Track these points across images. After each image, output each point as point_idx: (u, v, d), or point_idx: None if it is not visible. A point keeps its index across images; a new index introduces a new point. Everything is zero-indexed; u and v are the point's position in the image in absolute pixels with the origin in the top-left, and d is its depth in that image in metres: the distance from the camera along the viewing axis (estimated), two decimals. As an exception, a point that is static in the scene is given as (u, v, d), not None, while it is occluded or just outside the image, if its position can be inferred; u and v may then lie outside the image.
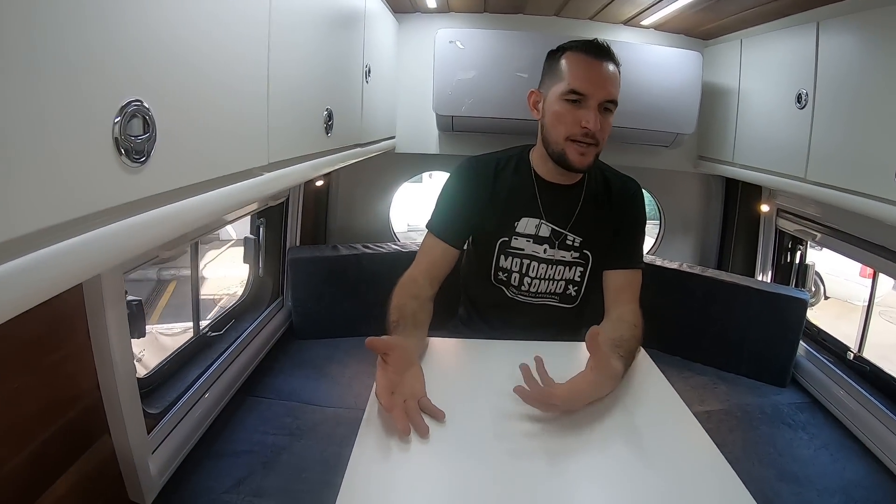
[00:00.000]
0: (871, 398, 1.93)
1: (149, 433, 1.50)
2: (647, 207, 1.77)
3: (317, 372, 2.21)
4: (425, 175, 9.23)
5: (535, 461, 1.03)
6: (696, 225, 3.09)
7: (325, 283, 2.46)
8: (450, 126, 2.46)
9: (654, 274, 2.38)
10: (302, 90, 1.21)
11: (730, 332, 2.37)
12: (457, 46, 2.26)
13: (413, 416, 1.10)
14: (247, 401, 2.00)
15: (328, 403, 2.00)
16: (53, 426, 1.22)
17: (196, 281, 2.12)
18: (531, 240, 1.62)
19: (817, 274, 2.43)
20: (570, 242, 1.62)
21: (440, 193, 1.68)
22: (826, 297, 6.94)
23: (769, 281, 2.71)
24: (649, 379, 1.37)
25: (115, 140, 0.61)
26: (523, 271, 1.64)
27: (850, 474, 1.75)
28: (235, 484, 1.57)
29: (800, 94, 1.81)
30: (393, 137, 2.52)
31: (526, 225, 1.62)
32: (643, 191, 1.71)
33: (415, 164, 2.94)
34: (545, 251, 1.62)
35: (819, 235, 2.32)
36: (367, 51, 1.80)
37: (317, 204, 2.86)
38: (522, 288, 1.66)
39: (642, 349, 1.47)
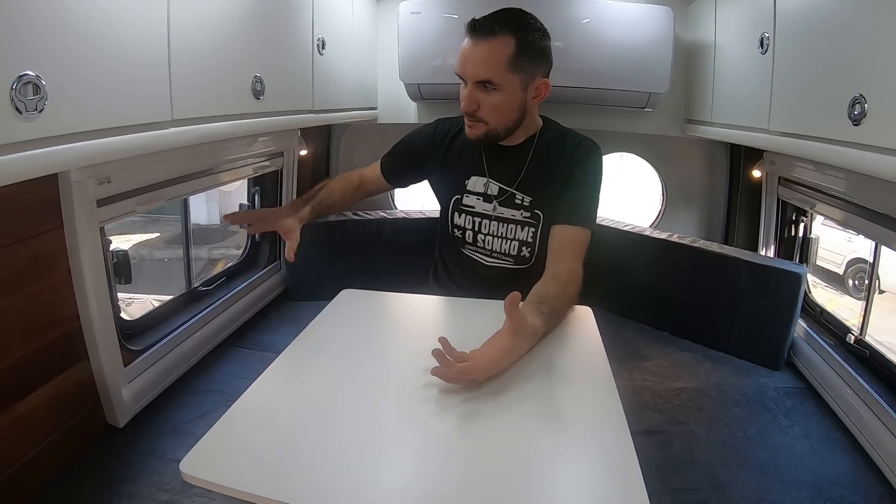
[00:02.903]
0: (868, 387, 1.77)
1: (126, 365, 1.77)
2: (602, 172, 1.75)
3: (301, 329, 2.35)
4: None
5: (447, 421, 1.08)
6: (700, 197, 3.01)
7: (316, 248, 2.62)
8: (418, 94, 2.65)
9: (639, 244, 2.56)
10: (214, 56, 1.47)
11: (719, 308, 2.30)
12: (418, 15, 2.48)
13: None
14: (230, 350, 2.27)
15: None
16: (32, 344, 1.48)
17: (187, 237, 2.40)
18: (481, 198, 1.76)
19: (870, 266, 2.30)
20: (518, 201, 1.71)
21: (401, 140, 1.94)
22: (881, 291, 6.75)
23: (772, 256, 2.57)
24: (586, 342, 1.40)
25: (11, 99, 0.90)
26: (476, 228, 1.77)
27: (828, 469, 1.62)
28: (198, 416, 1.78)
29: (762, 38, 1.78)
30: (375, 108, 2.77)
31: (475, 183, 1.77)
32: (600, 155, 1.73)
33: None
34: (494, 209, 1.74)
35: (817, 204, 2.15)
36: (318, 25, 2.04)
37: (315, 173, 3.06)
38: (478, 244, 1.78)
39: (591, 311, 1.53)
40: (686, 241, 2.43)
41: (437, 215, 2.01)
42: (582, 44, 2.46)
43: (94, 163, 1.12)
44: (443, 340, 1.14)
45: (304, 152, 2.70)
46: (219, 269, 2.38)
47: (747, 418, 1.86)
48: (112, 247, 1.78)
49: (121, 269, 1.83)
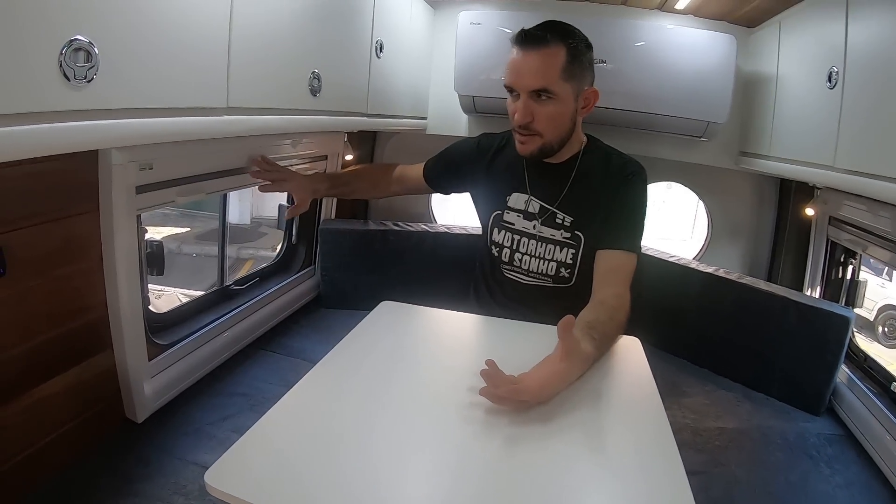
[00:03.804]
0: None
1: (151, 359, 1.73)
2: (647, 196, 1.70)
3: (333, 337, 2.21)
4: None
5: (489, 444, 1.03)
6: (747, 232, 2.96)
7: (353, 256, 2.63)
8: (472, 107, 2.61)
9: (683, 276, 2.47)
10: (275, 47, 1.43)
11: (762, 348, 2.22)
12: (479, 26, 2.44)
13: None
14: (258, 353, 2.23)
15: None
16: (56, 329, 1.45)
17: (224, 233, 2.37)
18: (521, 215, 1.72)
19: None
20: (559, 221, 1.67)
21: (447, 148, 1.93)
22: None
23: (818, 297, 2.51)
24: (634, 373, 1.36)
25: (59, 64, 0.86)
26: (514, 247, 1.73)
27: (869, 521, 1.55)
28: (221, 419, 1.73)
29: (830, 72, 1.72)
30: (424, 118, 2.73)
31: (517, 200, 1.74)
32: (645, 178, 1.69)
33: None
34: (534, 227, 1.70)
35: (869, 246, 2.10)
36: (377, 28, 2.01)
37: None
38: (514, 264, 1.74)
39: (641, 344, 1.48)
40: (733, 277, 2.35)
41: (479, 232, 1.97)
42: (637, 67, 2.41)
43: (140, 143, 1.08)
44: (490, 363, 1.10)
45: (349, 157, 2.67)
46: (247, 269, 2.34)
47: (789, 464, 1.80)
48: (147, 236, 1.76)
49: (154, 260, 1.80)
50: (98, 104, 0.93)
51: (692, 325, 2.47)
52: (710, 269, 2.42)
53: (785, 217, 2.80)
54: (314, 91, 1.55)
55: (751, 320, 2.27)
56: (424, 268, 2.65)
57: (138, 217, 1.64)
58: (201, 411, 1.78)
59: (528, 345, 1.26)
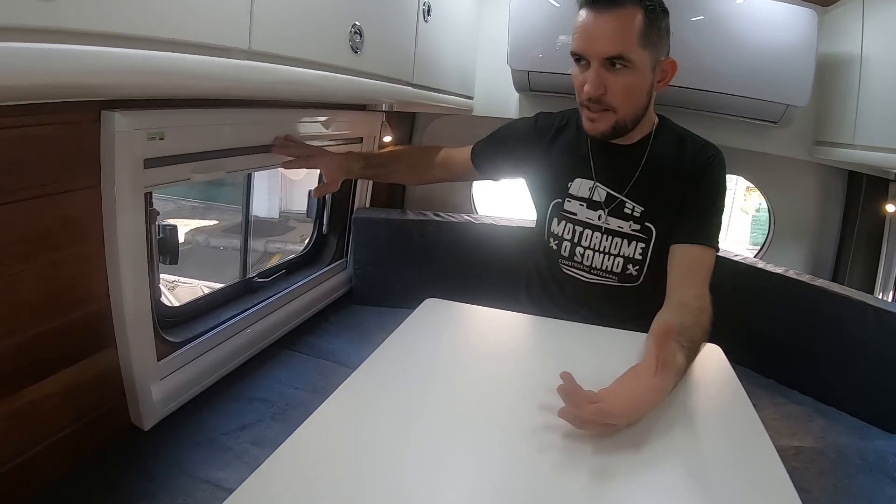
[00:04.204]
0: None
1: (160, 359, 1.56)
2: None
3: (364, 337, 2.22)
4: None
5: (574, 480, 0.88)
6: (811, 229, 2.76)
7: (388, 249, 2.48)
8: (526, 84, 2.39)
9: (745, 277, 2.26)
10: None
11: (834, 358, 2.04)
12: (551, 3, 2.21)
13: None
14: (282, 353, 2.05)
15: None
16: (50, 322, 1.28)
17: (247, 219, 2.19)
18: (585, 204, 1.59)
19: None
20: (628, 210, 1.55)
21: (498, 129, 1.78)
22: None
23: (890, 300, 2.35)
24: (723, 386, 1.24)
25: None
26: (575, 239, 1.61)
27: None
28: (239, 428, 1.58)
29: None
30: (470, 98, 2.51)
31: (580, 186, 1.60)
32: (724, 163, 1.56)
33: None
34: (599, 217, 1.57)
35: None
36: (426, -12, 1.80)
37: None
38: (575, 259, 1.62)
39: (721, 351, 1.38)
40: (804, 279, 2.15)
41: (529, 225, 1.90)
42: (705, 39, 2.17)
43: (134, 85, 0.84)
44: (567, 376, 0.94)
45: (388, 139, 2.47)
46: (274, 263, 2.15)
47: (872, 489, 1.64)
48: (159, 221, 1.58)
49: (166, 247, 1.63)
50: (70, 23, 0.70)
51: (757, 331, 2.26)
52: (778, 270, 2.23)
53: (853, 213, 2.60)
54: (355, 48, 1.33)
55: (823, 327, 2.07)
56: (467, 263, 2.48)
57: (148, 196, 1.47)
58: (216, 419, 1.63)
59: (599, 352, 1.19)
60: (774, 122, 2.31)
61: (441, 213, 2.58)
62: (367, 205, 2.66)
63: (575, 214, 1.60)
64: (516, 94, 2.56)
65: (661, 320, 1.04)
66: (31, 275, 1.23)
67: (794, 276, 2.18)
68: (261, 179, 10.55)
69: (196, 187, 9.80)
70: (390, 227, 2.50)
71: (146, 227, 1.46)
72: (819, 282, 2.14)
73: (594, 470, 0.89)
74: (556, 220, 1.64)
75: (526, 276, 1.86)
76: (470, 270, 2.46)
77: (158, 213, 1.56)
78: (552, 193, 1.66)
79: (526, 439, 0.95)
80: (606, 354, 1.16)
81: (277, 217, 10.62)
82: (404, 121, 2.86)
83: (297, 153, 1.77)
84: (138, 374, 1.47)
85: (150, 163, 1.39)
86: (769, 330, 2.23)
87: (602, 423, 0.93)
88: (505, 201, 3.22)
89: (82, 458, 1.34)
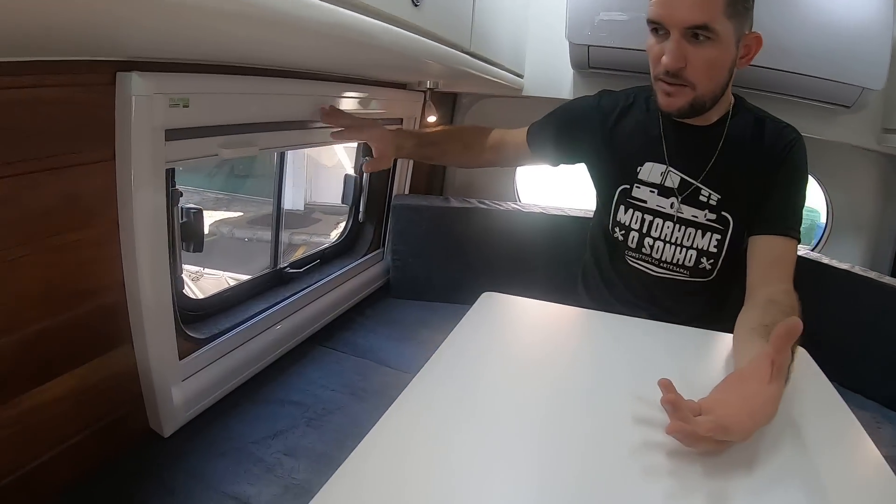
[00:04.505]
0: None
1: (183, 358, 1.41)
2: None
3: (404, 334, 2.07)
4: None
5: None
6: (870, 223, 2.58)
7: (430, 238, 2.33)
8: (585, 61, 2.17)
9: (812, 273, 2.07)
10: None
11: None
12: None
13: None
14: (315, 350, 1.89)
15: (407, 369, 1.82)
16: (57, 316, 1.12)
17: (279, 203, 2.00)
18: (656, 190, 1.46)
19: None
20: (703, 198, 1.42)
21: (556, 109, 1.64)
22: None
23: None
24: (819, 392, 1.11)
25: None
26: (643, 230, 1.49)
27: None
28: (270, 436, 1.44)
29: None
30: (521, 76, 2.30)
31: (651, 171, 1.47)
32: (804, 147, 1.43)
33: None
34: (672, 205, 1.45)
35: None
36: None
37: None
38: (643, 251, 1.51)
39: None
40: (871, 276, 1.99)
41: (580, 214, 1.87)
42: (775, 14, 1.92)
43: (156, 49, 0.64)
44: (666, 384, 0.82)
45: (433, 118, 2.27)
46: (299, 255, 2.00)
47: None
48: (182, 203, 1.42)
49: (190, 232, 1.46)
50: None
51: (818, 332, 2.05)
52: (843, 266, 2.05)
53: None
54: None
55: (891, 327, 1.90)
56: (515, 254, 2.32)
57: (169, 174, 1.30)
58: (244, 425, 1.48)
59: (680, 353, 1.11)
60: (847, 107, 2.07)
61: (486, 201, 2.41)
62: (406, 191, 2.49)
63: (644, 202, 1.48)
64: (570, 73, 2.34)
65: (791, 319, 0.87)
66: (33, 261, 1.06)
67: (860, 273, 2.02)
68: (286, 168, 10.51)
69: (220, 178, 9.73)
70: (432, 215, 2.33)
71: (167, 208, 1.29)
72: (886, 279, 2.00)
73: (712, 496, 0.75)
74: (622, 207, 1.52)
75: (582, 268, 1.76)
76: (518, 262, 2.29)
77: (181, 195, 1.39)
78: (618, 178, 1.53)
79: (628, 460, 0.81)
80: (689, 356, 1.09)
81: (303, 209, 10.57)
82: (445, 102, 2.71)
83: (348, 123, 1.65)
84: (158, 375, 1.32)
85: (171, 134, 1.22)
86: (831, 330, 2.02)
87: (720, 439, 0.81)
88: (548, 191, 2.99)
89: (93, 470, 1.22)
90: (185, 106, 1.19)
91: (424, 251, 2.33)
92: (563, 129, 1.62)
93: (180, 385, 1.39)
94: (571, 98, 2.09)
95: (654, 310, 1.49)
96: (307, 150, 8.15)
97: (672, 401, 0.79)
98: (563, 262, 2.01)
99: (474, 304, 1.32)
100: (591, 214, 1.73)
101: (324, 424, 1.52)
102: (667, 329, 1.26)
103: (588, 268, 1.72)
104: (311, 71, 1.56)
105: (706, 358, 1.12)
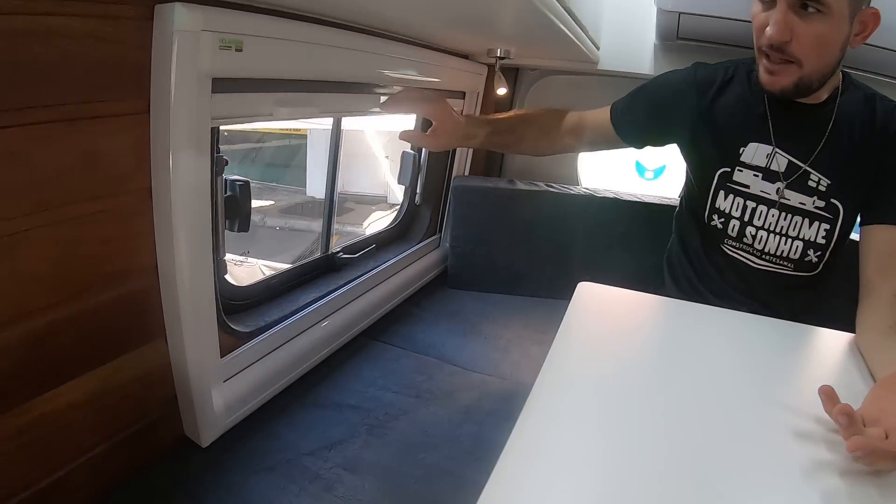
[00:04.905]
0: None
1: (225, 355, 1.21)
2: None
3: (467, 328, 1.88)
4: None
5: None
6: None
7: (492, 224, 2.12)
8: (674, 30, 1.93)
9: None
10: None
11: None
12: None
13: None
14: (370, 345, 1.70)
15: (475, 367, 1.65)
16: (73, 305, 0.91)
17: (334, 177, 1.77)
18: (760, 174, 1.32)
19: None
20: (812, 183, 1.29)
21: (643, 85, 1.46)
22: None
23: None
24: None
25: None
26: (745, 218, 1.35)
27: None
28: (325, 447, 1.25)
29: None
30: (596, 48, 2.05)
31: (755, 153, 1.32)
32: None
33: (626, 91, 2.39)
34: (777, 191, 1.31)
35: None
36: None
37: None
38: (745, 241, 1.37)
39: None
40: None
41: (655, 200, 1.79)
42: None
43: None
44: (829, 392, 0.74)
45: (503, 90, 2.02)
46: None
47: None
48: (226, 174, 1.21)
49: (235, 208, 1.25)
50: None
51: None
52: None
53: None
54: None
55: None
56: (586, 242, 2.14)
57: (214, 134, 1.07)
58: (295, 434, 1.29)
59: (811, 355, 1.05)
60: None
61: (554, 185, 2.20)
62: (466, 172, 2.26)
63: (747, 187, 1.33)
64: (651, 46, 2.10)
65: None
66: (42, 236, 0.85)
67: None
68: (317, 156, 10.38)
69: (245, 165, 9.69)
70: (496, 199, 2.12)
71: (211, 178, 1.06)
72: None
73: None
74: (722, 193, 1.37)
75: (667, 257, 1.61)
76: (589, 251, 2.13)
77: (227, 163, 1.17)
78: (718, 161, 1.37)
79: (803, 483, 0.67)
80: (824, 358, 1.02)
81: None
82: (506, 78, 2.40)
83: (417, 96, 1.42)
84: (196, 375, 1.13)
85: (220, 85, 0.99)
86: None
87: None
88: (608, 176, 2.76)
89: (117, 486, 1.05)
90: (238, 50, 0.97)
91: (487, 238, 2.12)
92: (655, 107, 1.44)
93: (221, 386, 1.19)
94: (652, 74, 1.92)
95: (751, 304, 1.33)
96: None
97: (847, 412, 0.70)
98: (639, 250, 1.87)
99: (574, 297, 1.15)
100: (668, 201, 1.62)
101: (388, 433, 1.32)
102: (794, 328, 1.12)
103: (675, 257, 1.56)
104: (376, 28, 1.36)
105: (828, 358, 1.04)
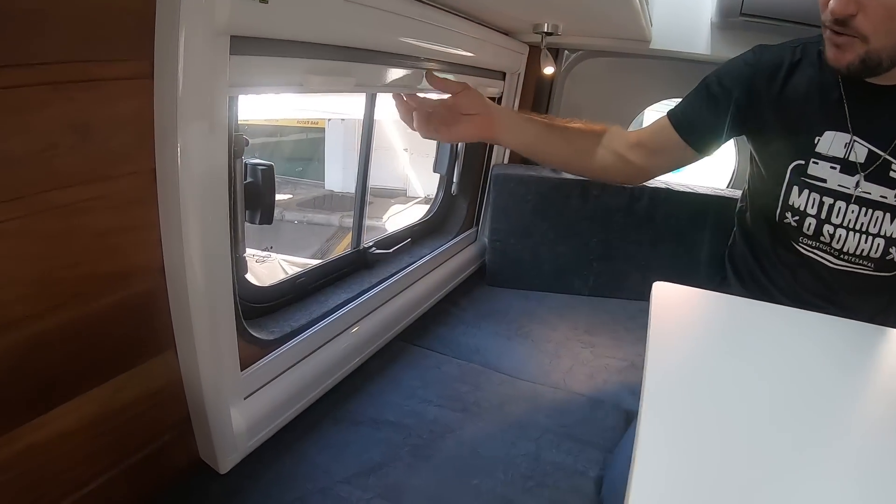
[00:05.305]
0: None
1: (246, 367, 1.03)
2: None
3: (512, 330, 1.71)
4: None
5: None
6: None
7: (536, 215, 1.94)
8: (737, 6, 1.77)
9: None
10: None
11: None
12: None
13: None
14: (407, 351, 1.52)
15: (524, 375, 1.48)
16: (63, 313, 0.73)
17: (365, 171, 1.60)
18: (838, 166, 1.23)
19: None
20: (894, 174, 1.19)
21: (702, 80, 1.34)
22: None
23: None
24: None
25: None
26: (822, 215, 1.25)
27: None
28: (364, 472, 1.08)
29: None
30: (650, 24, 1.88)
31: (832, 142, 1.23)
32: None
33: (674, 76, 2.18)
34: (856, 184, 1.22)
35: None
36: None
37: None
38: (822, 239, 1.28)
39: None
40: None
41: (709, 192, 1.79)
42: None
43: None
44: None
45: (550, 70, 1.82)
46: (347, 241, 1.63)
47: None
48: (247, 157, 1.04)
49: (256, 196, 1.08)
50: None
51: None
52: None
53: None
54: None
55: None
56: (638, 236, 1.99)
57: (233, 104, 0.89)
58: (327, 456, 1.11)
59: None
60: None
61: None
62: (507, 160, 2.09)
63: (824, 181, 1.24)
64: (707, 24, 1.93)
65: None
66: (22, 229, 0.67)
67: None
68: (336, 149, 10.32)
69: (263, 158, 9.84)
70: (540, 189, 1.94)
71: (228, 159, 0.87)
72: None
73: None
74: (796, 188, 1.28)
75: (729, 255, 1.52)
76: (641, 246, 1.99)
77: (248, 143, 0.99)
78: (790, 153, 1.28)
79: None
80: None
81: (352, 191, 10.56)
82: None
83: (457, 88, 1.24)
84: (212, 392, 0.94)
85: (239, 46, 0.81)
86: None
87: None
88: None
89: None
90: (263, 0, 0.78)
91: (529, 231, 1.96)
92: (722, 101, 1.32)
93: (242, 404, 1.02)
94: (708, 55, 1.88)
95: (826, 306, 1.25)
96: (357, 130, 7.96)
97: None
98: (690, 244, 1.86)
99: (653, 299, 1.03)
100: (726, 192, 1.62)
101: (434, 454, 1.15)
102: (849, 326, 1.01)
103: (740, 255, 1.47)
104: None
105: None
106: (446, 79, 1.24)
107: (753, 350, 0.93)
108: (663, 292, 1.05)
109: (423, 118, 1.15)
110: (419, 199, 9.08)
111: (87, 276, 0.75)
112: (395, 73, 1.25)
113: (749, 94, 1.30)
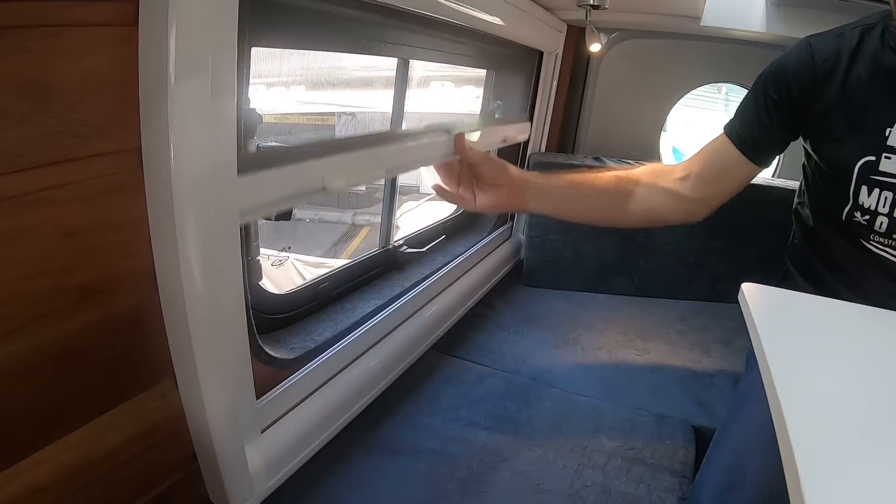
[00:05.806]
0: None
1: (262, 395, 0.85)
2: None
3: (558, 336, 1.55)
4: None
5: None
6: None
7: None
8: None
9: None
10: None
11: None
12: None
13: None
14: (444, 363, 1.34)
15: (578, 389, 1.31)
16: (27, 338, 0.56)
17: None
18: None
19: None
20: None
21: (754, 85, 1.22)
22: None
23: None
24: None
25: None
26: (895, 214, 1.14)
27: None
28: None
29: None
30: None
31: None
32: None
33: (719, 58, 2.03)
34: None
35: None
36: None
37: (569, 101, 2.09)
38: (894, 237, 1.17)
39: None
40: None
41: (764, 182, 1.74)
42: None
43: None
44: None
45: (596, 47, 1.62)
46: (362, 237, 1.45)
47: None
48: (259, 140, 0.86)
49: None
50: None
51: None
52: None
53: None
54: None
55: None
56: (688, 230, 1.77)
57: (244, 62, 0.71)
58: (361, 494, 0.94)
59: None
60: None
61: (646, 163, 1.86)
62: (544, 148, 1.92)
63: (895, 177, 1.14)
64: (762, 2, 1.76)
65: None
66: None
67: None
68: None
69: None
70: None
71: (237, 137, 0.68)
72: None
73: None
74: (865, 188, 1.17)
75: (790, 253, 1.42)
76: (690, 242, 1.85)
77: (261, 120, 0.82)
78: (860, 149, 1.16)
79: None
80: None
81: (364, 188, 10.49)
82: (578, 41, 2.09)
83: (481, 159, 1.15)
84: (221, 427, 0.76)
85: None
86: None
87: None
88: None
89: None
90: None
91: (570, 225, 1.78)
92: (782, 107, 1.20)
93: (258, 438, 0.84)
94: (764, 33, 1.77)
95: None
96: (368, 125, 7.86)
97: None
98: (741, 240, 1.76)
99: (750, 303, 0.88)
100: (782, 182, 1.60)
101: (488, 489, 0.98)
102: None
103: (801, 253, 1.36)
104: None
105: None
106: (472, 148, 1.14)
107: (868, 355, 0.78)
108: (757, 296, 0.90)
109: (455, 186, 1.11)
110: (432, 196, 9.02)
111: (53, 291, 0.56)
112: (426, 41, 1.08)
113: (810, 91, 1.18)
